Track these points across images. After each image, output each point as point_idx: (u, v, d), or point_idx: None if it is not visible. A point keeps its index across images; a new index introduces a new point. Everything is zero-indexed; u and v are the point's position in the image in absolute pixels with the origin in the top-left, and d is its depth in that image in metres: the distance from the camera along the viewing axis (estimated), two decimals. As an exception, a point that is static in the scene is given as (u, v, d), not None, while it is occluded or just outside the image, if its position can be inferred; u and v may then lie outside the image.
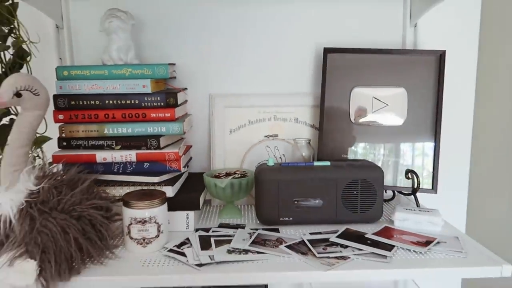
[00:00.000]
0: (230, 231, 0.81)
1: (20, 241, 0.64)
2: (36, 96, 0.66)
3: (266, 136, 1.02)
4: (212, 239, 0.77)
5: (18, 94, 0.64)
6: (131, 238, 0.73)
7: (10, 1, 0.77)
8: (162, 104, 0.85)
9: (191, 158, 1.03)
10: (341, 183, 0.82)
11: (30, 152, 0.70)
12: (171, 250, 0.73)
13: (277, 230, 0.82)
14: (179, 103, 0.89)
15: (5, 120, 0.81)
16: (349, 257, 0.70)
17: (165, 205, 0.75)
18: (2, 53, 0.78)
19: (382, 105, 0.96)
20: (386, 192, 0.99)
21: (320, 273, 0.66)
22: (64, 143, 0.87)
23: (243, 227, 0.84)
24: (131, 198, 0.73)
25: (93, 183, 0.76)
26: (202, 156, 1.05)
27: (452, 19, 1.03)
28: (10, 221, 0.65)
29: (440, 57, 0.93)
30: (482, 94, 1.05)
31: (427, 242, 0.75)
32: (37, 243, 0.64)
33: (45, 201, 0.67)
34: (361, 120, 0.97)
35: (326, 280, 0.66)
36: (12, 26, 0.78)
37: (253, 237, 0.77)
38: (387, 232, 0.80)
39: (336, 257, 0.70)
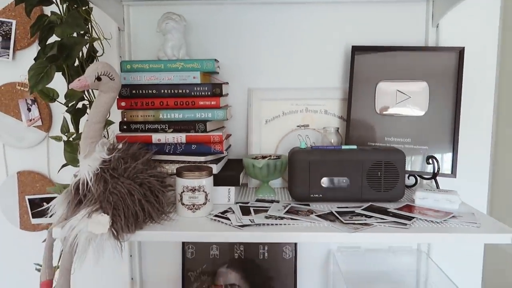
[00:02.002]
0: (266, 204, 0.92)
1: (95, 199, 0.77)
2: (111, 80, 0.80)
3: (298, 126, 1.13)
4: (251, 208, 0.88)
5: (98, 78, 0.78)
6: (183, 204, 0.85)
7: (87, 6, 0.93)
8: (209, 93, 0.98)
9: (230, 145, 1.15)
10: (366, 164, 0.92)
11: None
12: (216, 216, 0.85)
13: (307, 205, 0.92)
14: (223, 93, 1.01)
15: (79, 105, 0.96)
16: (372, 224, 0.79)
17: (212, 177, 0.87)
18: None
19: (405, 97, 1.05)
20: (409, 179, 1.07)
21: (346, 234, 0.75)
22: (125, 127, 1.01)
23: (277, 201, 0.95)
24: (184, 169, 0.86)
25: (151, 158, 0.89)
26: (240, 144, 1.17)
27: (472, 19, 1.11)
28: (87, 183, 0.79)
29: (460, 53, 1.02)
30: (504, 86, 1.11)
31: (444, 215, 0.83)
32: (109, 202, 0.77)
33: (115, 168, 0.81)
34: (386, 111, 1.06)
35: (352, 241, 0.75)
36: (87, 26, 0.94)
37: (287, 208, 0.88)
38: (408, 208, 0.89)
39: (361, 223, 0.79)
